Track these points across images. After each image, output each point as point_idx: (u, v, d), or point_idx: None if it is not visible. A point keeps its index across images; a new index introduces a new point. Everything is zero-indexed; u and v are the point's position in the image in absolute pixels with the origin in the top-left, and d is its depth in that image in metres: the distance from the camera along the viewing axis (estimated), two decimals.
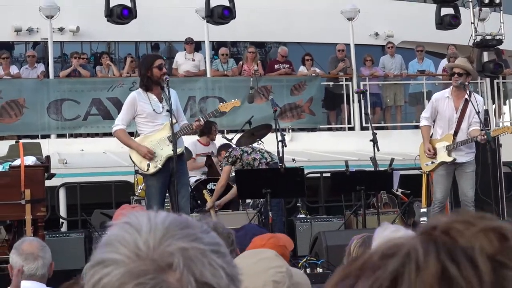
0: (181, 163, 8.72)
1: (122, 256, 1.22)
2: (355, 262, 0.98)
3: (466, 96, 9.62)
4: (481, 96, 17.32)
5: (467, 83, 9.75)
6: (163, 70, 8.74)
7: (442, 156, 9.65)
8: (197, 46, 17.37)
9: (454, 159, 9.57)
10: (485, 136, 9.41)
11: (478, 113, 9.44)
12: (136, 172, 10.46)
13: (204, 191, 10.84)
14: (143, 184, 9.88)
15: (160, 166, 8.58)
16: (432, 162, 9.76)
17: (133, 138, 9.05)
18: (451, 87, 9.84)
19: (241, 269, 1.32)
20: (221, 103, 9.83)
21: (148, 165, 8.61)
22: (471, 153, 9.76)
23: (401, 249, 0.95)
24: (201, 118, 9.06)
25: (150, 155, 8.55)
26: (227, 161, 10.58)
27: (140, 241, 1.23)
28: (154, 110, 8.62)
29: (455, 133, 9.62)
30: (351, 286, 0.95)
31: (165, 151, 8.63)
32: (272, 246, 4.06)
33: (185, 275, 1.21)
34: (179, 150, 8.62)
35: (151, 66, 8.66)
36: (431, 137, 9.90)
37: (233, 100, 9.80)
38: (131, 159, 8.84)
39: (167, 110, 8.64)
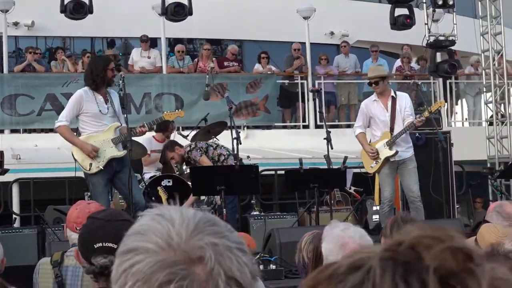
0: (125, 160, 8.76)
1: (155, 245, 1.26)
2: (322, 272, 1.01)
3: (392, 94, 9.90)
4: (434, 96, 17.62)
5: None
6: (114, 73, 8.87)
7: (385, 152, 9.83)
8: (153, 43, 17.35)
9: (397, 152, 9.75)
10: (422, 118, 9.67)
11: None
12: None
13: (159, 188, 10.85)
14: None
15: (102, 168, 8.63)
16: (376, 163, 9.92)
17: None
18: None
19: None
20: (166, 112, 10.13)
21: (91, 164, 8.64)
22: (410, 148, 9.97)
23: (365, 265, 0.97)
24: (145, 124, 9.09)
25: (94, 153, 8.58)
26: (201, 151, 10.64)
27: (173, 232, 1.27)
28: (100, 111, 8.66)
29: (391, 130, 9.84)
30: None
31: (108, 152, 8.70)
32: None
33: (216, 268, 1.25)
34: (121, 153, 8.74)
35: (106, 68, 8.73)
36: (370, 141, 10.09)
37: (177, 110, 10.23)
38: (73, 156, 8.81)
39: (122, 106, 8.68)
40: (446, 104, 17.86)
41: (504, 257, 2.91)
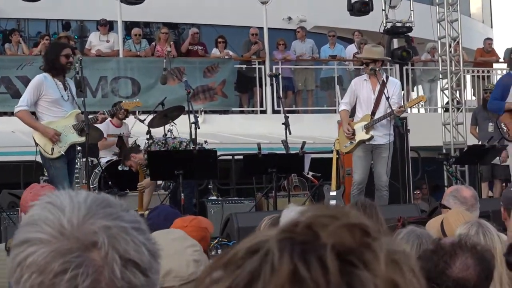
0: (75, 150, 9.03)
1: (47, 235, 1.24)
2: (221, 258, 0.99)
3: (383, 78, 9.87)
4: None
5: (377, 69, 9.97)
6: (70, 59, 8.81)
7: (360, 135, 9.84)
8: (110, 26, 17.17)
9: (372, 137, 9.75)
10: (402, 108, 9.70)
11: (388, 98, 9.66)
12: None
13: (139, 167, 10.61)
14: None
15: (63, 153, 8.66)
16: (351, 143, 9.93)
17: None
18: None
19: (160, 246, 1.35)
20: (125, 101, 10.75)
21: (52, 149, 8.63)
22: (387, 135, 9.92)
23: (263, 247, 0.96)
24: (105, 112, 9.24)
25: (56, 137, 8.60)
26: (159, 145, 10.49)
27: (64, 220, 1.25)
28: (62, 96, 8.70)
29: (373, 113, 9.83)
30: (217, 281, 0.97)
31: (70, 138, 8.74)
32: (194, 228, 4.09)
33: (110, 253, 1.23)
34: (82, 139, 8.83)
35: (59, 54, 8.72)
36: (352, 121, 10.08)
37: (135, 100, 11.09)
38: (34, 140, 8.74)
39: (80, 90, 8.63)
40: (403, 90, 18.01)
41: (471, 247, 2.92)
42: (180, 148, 10.48)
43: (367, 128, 9.80)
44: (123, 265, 1.24)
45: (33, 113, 8.89)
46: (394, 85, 9.92)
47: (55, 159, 8.66)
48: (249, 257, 0.96)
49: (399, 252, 0.98)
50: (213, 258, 1.01)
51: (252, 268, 0.94)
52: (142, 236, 1.29)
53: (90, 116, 8.92)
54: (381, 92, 9.82)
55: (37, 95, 8.60)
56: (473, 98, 19.04)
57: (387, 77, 10.02)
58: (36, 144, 8.72)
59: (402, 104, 10.00)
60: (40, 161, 9.00)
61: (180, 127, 11.22)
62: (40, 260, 1.22)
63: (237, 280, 0.95)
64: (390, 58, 15.31)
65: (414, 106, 11.30)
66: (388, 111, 9.74)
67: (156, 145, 10.56)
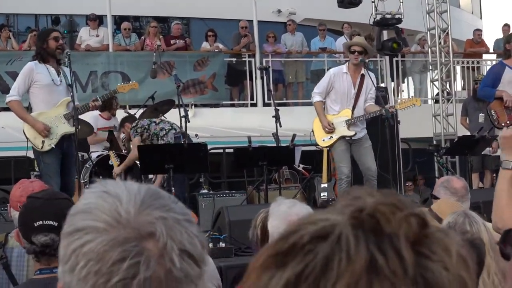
0: (71, 142, 8.74)
1: (104, 223, 1.24)
2: (283, 242, 0.96)
3: (363, 72, 9.81)
4: (380, 74, 17.71)
5: (366, 61, 9.96)
6: (59, 42, 8.69)
7: (342, 130, 9.76)
8: (99, 20, 17.13)
9: (355, 133, 9.72)
10: (392, 109, 9.68)
11: (377, 88, 9.67)
12: None
13: (111, 153, 10.71)
14: None
15: (54, 146, 8.53)
16: (331, 137, 9.87)
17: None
18: (347, 63, 10.00)
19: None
20: (119, 84, 10.05)
21: (43, 142, 8.51)
22: (364, 128, 9.93)
23: (332, 232, 0.94)
24: (98, 98, 9.07)
25: (46, 132, 8.48)
26: (136, 131, 10.52)
27: (121, 209, 1.25)
28: (53, 80, 8.55)
29: (353, 108, 9.78)
30: (280, 268, 0.94)
31: (61, 128, 8.60)
32: None
33: (169, 243, 1.24)
34: (74, 130, 8.63)
35: (47, 38, 8.62)
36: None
37: (131, 82, 10.21)
38: (24, 134, 8.67)
39: (68, 84, 8.56)
40: (393, 82, 18.03)
41: (461, 234, 2.94)
42: (161, 135, 10.45)
43: (349, 125, 9.73)
44: (180, 256, 1.24)
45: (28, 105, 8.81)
46: (371, 79, 9.80)
47: (46, 154, 8.55)
48: (318, 242, 0.94)
49: (463, 248, 0.96)
50: (273, 241, 0.98)
51: (325, 254, 0.92)
52: (193, 228, 1.29)
53: (81, 104, 8.83)
54: (360, 86, 9.76)
55: (28, 82, 8.50)
56: (461, 88, 19.07)
57: (365, 71, 9.93)
58: (27, 138, 8.65)
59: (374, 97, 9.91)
60: (32, 156, 8.94)
61: (171, 121, 11.21)
62: (98, 248, 1.22)
63: (311, 265, 0.92)
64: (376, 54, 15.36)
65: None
66: (366, 105, 9.72)
67: (135, 130, 10.56)
